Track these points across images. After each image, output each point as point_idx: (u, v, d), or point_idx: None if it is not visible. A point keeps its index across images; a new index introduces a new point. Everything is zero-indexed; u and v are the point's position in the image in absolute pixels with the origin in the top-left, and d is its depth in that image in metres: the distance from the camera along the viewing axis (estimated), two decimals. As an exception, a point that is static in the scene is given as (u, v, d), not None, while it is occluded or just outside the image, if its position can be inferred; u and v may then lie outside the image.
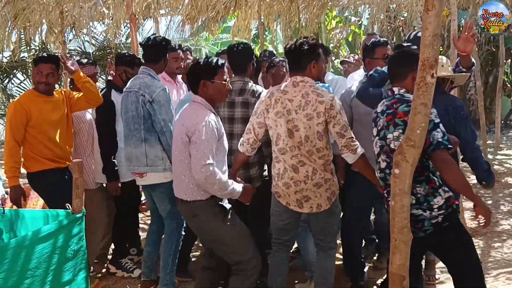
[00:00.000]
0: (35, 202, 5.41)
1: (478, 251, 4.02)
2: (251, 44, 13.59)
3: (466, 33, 3.79)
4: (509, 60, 14.98)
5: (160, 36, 4.33)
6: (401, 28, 13.16)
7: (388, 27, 13.08)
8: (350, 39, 16.82)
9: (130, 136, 4.18)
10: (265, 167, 4.25)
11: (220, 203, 3.46)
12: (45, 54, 4.58)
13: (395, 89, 3.20)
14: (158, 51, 4.29)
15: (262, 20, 10.72)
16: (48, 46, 11.43)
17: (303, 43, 3.58)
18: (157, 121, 4.09)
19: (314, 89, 3.54)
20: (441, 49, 11.20)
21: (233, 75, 4.23)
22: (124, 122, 4.26)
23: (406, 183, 2.79)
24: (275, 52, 6.46)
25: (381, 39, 4.46)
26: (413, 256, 3.07)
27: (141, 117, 4.11)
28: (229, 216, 3.49)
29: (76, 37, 11.15)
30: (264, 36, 12.29)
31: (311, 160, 3.54)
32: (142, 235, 5.52)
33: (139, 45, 4.38)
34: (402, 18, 12.36)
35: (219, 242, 3.55)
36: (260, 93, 4.09)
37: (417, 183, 2.98)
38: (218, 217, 3.47)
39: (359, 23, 16.03)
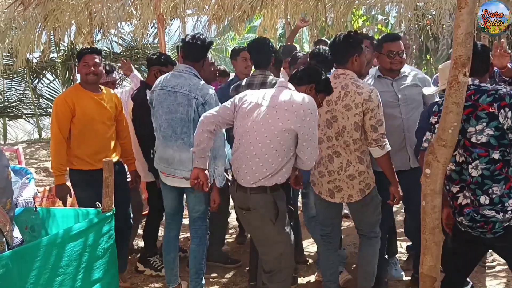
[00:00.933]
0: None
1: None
2: (277, 43, 13.59)
3: (498, 51, 3.80)
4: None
5: (204, 35, 4.23)
6: (428, 26, 12.99)
7: (416, 26, 12.92)
8: (377, 38, 16.67)
9: (174, 138, 4.01)
10: None
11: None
12: (87, 47, 4.63)
13: (469, 80, 2.95)
14: (200, 50, 4.14)
15: (289, 19, 10.69)
16: (77, 47, 11.54)
17: (347, 36, 3.69)
18: None
19: (354, 81, 3.64)
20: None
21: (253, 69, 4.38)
22: (164, 122, 4.06)
23: (438, 183, 2.75)
24: (297, 47, 6.43)
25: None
26: (475, 258, 3.12)
27: (191, 121, 3.95)
28: None
29: (104, 37, 11.24)
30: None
31: (347, 152, 3.64)
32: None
33: (181, 42, 4.26)
34: (430, 16, 12.19)
35: (273, 243, 3.52)
36: None
37: (494, 182, 2.88)
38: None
39: (386, 21, 15.87)
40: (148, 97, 4.35)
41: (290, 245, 3.47)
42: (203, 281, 4.22)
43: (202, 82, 4.07)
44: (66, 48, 12.73)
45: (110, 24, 8.96)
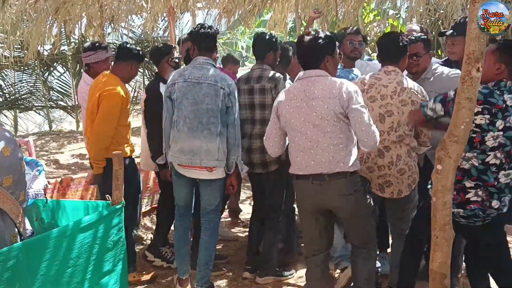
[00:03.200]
0: (74, 192, 5.50)
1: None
2: (287, 37, 13.56)
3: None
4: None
5: (212, 26, 4.30)
6: (440, 21, 12.90)
7: (428, 20, 12.84)
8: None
9: (200, 129, 4.04)
10: None
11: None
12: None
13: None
14: (214, 41, 4.22)
15: (299, 13, 10.65)
16: (88, 40, 11.57)
17: (399, 37, 3.82)
18: (232, 113, 4.07)
19: (407, 79, 3.80)
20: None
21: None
22: (189, 113, 4.06)
23: (449, 180, 2.73)
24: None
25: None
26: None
27: (219, 110, 4.03)
28: None
29: (114, 30, 11.27)
30: (301, 29, 12.21)
31: (397, 146, 3.70)
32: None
33: (194, 35, 4.27)
34: (442, 11, 12.10)
35: (365, 217, 3.56)
36: (277, 79, 4.34)
37: (510, 192, 3.07)
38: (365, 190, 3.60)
39: (397, 16, 15.77)
40: (162, 90, 4.38)
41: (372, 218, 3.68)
42: (211, 272, 4.28)
43: (223, 73, 4.23)
44: (77, 41, 12.77)
45: (120, 17, 8.99)
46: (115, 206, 3.19)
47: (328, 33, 3.51)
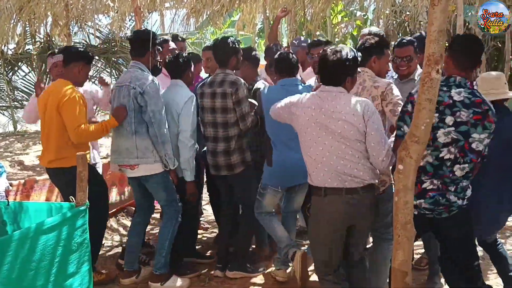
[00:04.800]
0: (39, 194, 5.42)
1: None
2: (256, 38, 13.59)
3: None
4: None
5: (146, 29, 4.50)
6: (406, 23, 13.09)
7: (394, 22, 13.02)
8: (355, 33, 16.75)
9: (121, 129, 4.30)
10: (248, 153, 4.57)
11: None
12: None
13: (474, 83, 3.20)
14: (143, 45, 4.32)
15: (268, 14, 10.69)
16: (53, 39, 11.40)
17: (369, 39, 3.81)
18: (147, 112, 4.21)
19: (371, 77, 3.74)
20: (446, 45, 11.16)
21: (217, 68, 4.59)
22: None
23: (410, 179, 2.78)
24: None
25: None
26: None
27: (132, 110, 4.24)
28: None
29: (81, 29, 11.14)
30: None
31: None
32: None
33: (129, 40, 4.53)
34: (408, 13, 12.28)
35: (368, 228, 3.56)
36: (238, 84, 4.39)
37: (464, 179, 3.13)
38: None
39: (365, 17, 15.95)
40: None
41: None
42: (166, 260, 4.44)
43: (146, 74, 4.31)
44: (42, 40, 12.56)
45: (87, 17, 8.88)
46: (79, 208, 3.16)
47: (354, 52, 3.35)
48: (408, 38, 4.53)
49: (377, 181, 3.41)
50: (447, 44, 3.23)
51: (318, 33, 13.54)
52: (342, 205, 3.31)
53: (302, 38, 5.72)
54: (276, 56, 4.51)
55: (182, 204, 4.49)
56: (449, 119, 3.07)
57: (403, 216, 2.83)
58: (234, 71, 4.58)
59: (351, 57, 3.31)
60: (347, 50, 3.33)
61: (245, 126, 4.46)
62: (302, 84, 4.45)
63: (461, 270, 3.30)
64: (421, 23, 11.82)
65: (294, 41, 5.79)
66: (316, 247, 3.54)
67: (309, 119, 3.34)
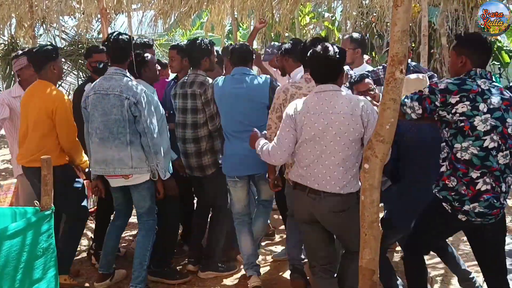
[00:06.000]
0: (3, 199, 5.32)
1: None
2: (225, 40, 13.58)
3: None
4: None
5: (125, 34, 4.35)
6: (373, 24, 13.25)
7: (361, 23, 13.16)
8: (323, 35, 16.86)
9: (111, 139, 4.13)
10: (220, 154, 4.61)
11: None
12: None
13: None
14: (125, 50, 4.26)
15: (236, 16, 10.67)
16: (18, 41, 11.16)
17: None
18: (141, 122, 4.09)
19: None
20: (413, 45, 11.31)
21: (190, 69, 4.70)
22: (100, 124, 4.17)
23: (376, 178, 2.82)
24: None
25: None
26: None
27: (127, 120, 4.10)
28: None
29: (46, 31, 10.93)
30: (239, 32, 12.27)
31: None
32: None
33: (106, 44, 4.37)
34: (374, 14, 12.43)
35: (356, 232, 3.49)
36: (206, 85, 4.46)
37: (510, 172, 3.13)
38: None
39: (333, 19, 16.08)
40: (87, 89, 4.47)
41: None
42: (146, 273, 4.31)
43: (133, 81, 4.20)
44: (6, 42, 12.30)
45: (52, 18, 8.74)
46: (44, 212, 3.11)
47: (338, 48, 3.44)
48: (363, 73, 4.54)
49: (354, 190, 3.39)
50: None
51: (286, 34, 13.61)
52: (305, 202, 3.45)
53: (276, 44, 5.75)
54: (229, 48, 4.66)
55: (166, 206, 4.48)
56: (482, 106, 3.07)
57: (369, 215, 2.87)
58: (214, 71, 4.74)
59: (339, 51, 3.40)
60: (333, 46, 3.41)
61: (214, 126, 4.52)
62: (252, 73, 4.44)
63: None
64: (388, 24, 11.98)
65: (267, 49, 5.76)
66: (307, 243, 3.71)
67: (307, 120, 3.37)
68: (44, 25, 10.08)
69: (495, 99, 3.08)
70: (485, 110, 3.06)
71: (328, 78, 3.41)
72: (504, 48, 14.93)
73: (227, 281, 4.66)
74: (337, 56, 3.36)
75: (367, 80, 4.33)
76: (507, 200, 3.18)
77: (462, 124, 3.06)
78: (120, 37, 4.24)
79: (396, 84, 2.68)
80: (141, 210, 4.33)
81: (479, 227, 3.20)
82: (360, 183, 3.30)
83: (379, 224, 2.90)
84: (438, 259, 4.76)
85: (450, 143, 3.12)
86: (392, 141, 2.83)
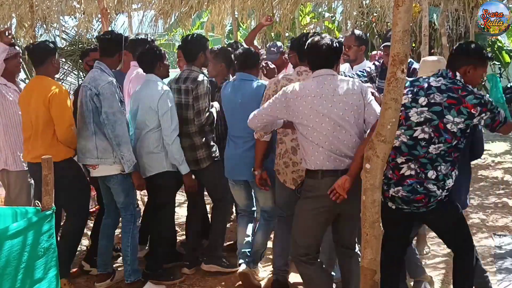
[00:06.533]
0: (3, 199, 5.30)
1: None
2: (226, 40, 13.57)
3: None
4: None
5: (116, 32, 4.50)
6: (374, 24, 13.25)
7: (361, 23, 13.17)
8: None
9: (84, 129, 4.28)
10: (215, 148, 4.64)
11: None
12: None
13: (458, 74, 3.30)
14: (113, 46, 4.35)
15: (236, 16, 10.68)
16: (18, 41, 11.16)
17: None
18: (102, 113, 4.19)
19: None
20: (413, 45, 11.32)
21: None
22: (78, 115, 4.36)
23: (377, 178, 2.82)
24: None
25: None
26: (404, 230, 3.47)
27: (90, 110, 4.24)
28: None
29: (47, 31, 10.94)
30: (239, 32, 12.26)
31: None
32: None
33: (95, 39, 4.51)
34: (375, 14, 12.44)
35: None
36: (198, 81, 4.47)
37: (443, 162, 3.20)
38: None
39: (333, 18, 16.09)
40: None
41: None
42: (133, 267, 4.39)
43: (105, 75, 4.28)
44: (7, 42, 12.28)
45: (52, 18, 8.75)
46: (45, 212, 3.11)
47: (335, 39, 3.57)
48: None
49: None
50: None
51: (287, 34, 13.62)
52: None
53: (278, 44, 5.73)
54: (236, 52, 4.63)
55: (163, 205, 4.54)
56: (422, 99, 3.24)
57: (371, 215, 2.87)
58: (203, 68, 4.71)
59: (336, 41, 3.53)
60: (330, 37, 3.56)
61: (199, 122, 4.50)
62: (251, 79, 4.44)
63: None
64: (388, 24, 11.98)
65: (272, 48, 5.70)
66: (301, 229, 3.58)
67: (312, 106, 3.39)
68: (44, 25, 10.08)
69: (440, 97, 3.23)
70: (423, 103, 3.24)
71: (324, 64, 3.49)
72: (505, 48, 14.94)
73: (229, 281, 4.63)
74: (334, 44, 3.47)
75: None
76: (441, 190, 3.23)
77: (400, 113, 3.13)
78: (112, 32, 4.44)
79: (397, 84, 2.68)
80: (118, 204, 4.43)
81: (420, 216, 3.33)
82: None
83: (381, 224, 2.90)
84: (438, 259, 4.81)
85: None
86: (393, 141, 2.82)
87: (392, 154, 3.17)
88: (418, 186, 3.20)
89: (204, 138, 4.58)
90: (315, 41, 3.50)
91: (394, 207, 3.29)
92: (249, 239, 4.49)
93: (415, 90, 3.28)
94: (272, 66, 4.99)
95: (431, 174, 3.20)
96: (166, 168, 4.42)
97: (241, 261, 4.40)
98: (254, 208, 4.66)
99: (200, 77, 4.51)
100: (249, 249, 4.46)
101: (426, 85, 3.28)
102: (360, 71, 5.01)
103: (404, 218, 3.41)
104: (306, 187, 3.52)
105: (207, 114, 4.52)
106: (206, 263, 4.68)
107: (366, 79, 4.88)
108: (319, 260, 3.61)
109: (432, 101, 3.22)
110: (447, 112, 3.19)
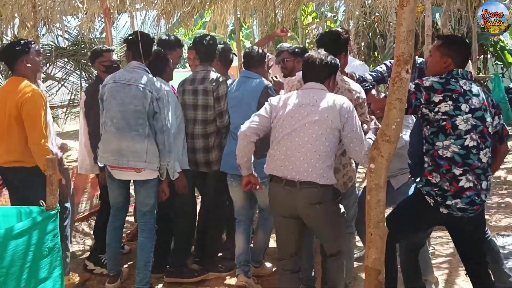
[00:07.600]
0: (7, 199, 5.30)
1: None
2: (228, 40, 13.58)
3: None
4: (482, 56, 15.22)
5: (146, 33, 4.40)
6: (376, 24, 13.25)
7: (364, 23, 13.16)
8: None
9: (128, 130, 4.07)
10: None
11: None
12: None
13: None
14: (150, 48, 4.30)
15: (238, 16, 10.68)
16: (21, 41, 11.17)
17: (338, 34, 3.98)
18: (160, 119, 4.08)
19: (343, 79, 3.86)
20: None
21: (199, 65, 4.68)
22: (117, 113, 4.11)
23: (382, 178, 2.82)
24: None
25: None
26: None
27: (146, 112, 4.07)
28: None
29: (49, 31, 10.95)
30: (241, 31, 12.27)
31: None
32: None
33: (129, 42, 4.31)
34: (377, 14, 12.43)
35: (334, 231, 3.57)
36: (219, 81, 4.47)
37: (490, 170, 3.25)
38: (337, 201, 3.56)
39: (335, 18, 16.09)
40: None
41: (344, 226, 3.72)
42: (150, 274, 4.26)
43: (156, 79, 4.21)
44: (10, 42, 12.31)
45: (55, 18, 8.75)
46: (50, 212, 3.12)
47: (333, 58, 3.59)
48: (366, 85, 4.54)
49: (329, 182, 3.42)
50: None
51: (289, 34, 13.60)
52: (281, 195, 3.47)
53: (288, 45, 5.72)
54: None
55: (181, 207, 4.54)
56: (464, 106, 3.16)
57: (375, 215, 2.87)
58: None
59: (332, 59, 3.56)
60: (324, 53, 3.58)
61: (222, 123, 4.52)
62: (254, 77, 4.49)
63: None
64: (390, 23, 11.98)
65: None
66: (276, 231, 3.72)
67: (288, 113, 3.46)
68: (47, 25, 10.09)
69: (475, 100, 3.19)
70: (466, 110, 3.16)
71: (313, 79, 3.55)
72: (507, 48, 14.92)
73: (230, 281, 4.64)
74: (326, 61, 3.53)
75: (373, 91, 4.33)
76: (487, 197, 3.28)
77: (444, 123, 3.14)
78: (148, 34, 4.31)
79: (402, 83, 2.68)
80: (145, 208, 4.24)
81: (458, 220, 3.26)
82: (335, 179, 3.45)
83: (385, 224, 2.90)
84: (442, 259, 4.81)
85: (431, 141, 3.21)
86: (397, 141, 2.83)
87: (445, 165, 3.14)
88: (476, 197, 3.16)
89: (219, 140, 4.58)
90: (309, 55, 3.60)
91: (446, 212, 3.20)
92: (246, 247, 4.48)
93: (454, 96, 3.15)
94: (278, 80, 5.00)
95: (484, 185, 3.19)
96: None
97: (239, 271, 4.41)
98: (252, 214, 4.64)
99: (221, 78, 4.51)
100: (246, 259, 4.45)
101: (461, 90, 3.18)
102: (373, 71, 4.98)
103: (444, 220, 3.34)
104: (270, 191, 3.62)
105: (227, 115, 4.52)
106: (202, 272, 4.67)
107: (377, 78, 4.86)
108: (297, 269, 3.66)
109: (473, 106, 3.16)
110: (486, 114, 3.20)
